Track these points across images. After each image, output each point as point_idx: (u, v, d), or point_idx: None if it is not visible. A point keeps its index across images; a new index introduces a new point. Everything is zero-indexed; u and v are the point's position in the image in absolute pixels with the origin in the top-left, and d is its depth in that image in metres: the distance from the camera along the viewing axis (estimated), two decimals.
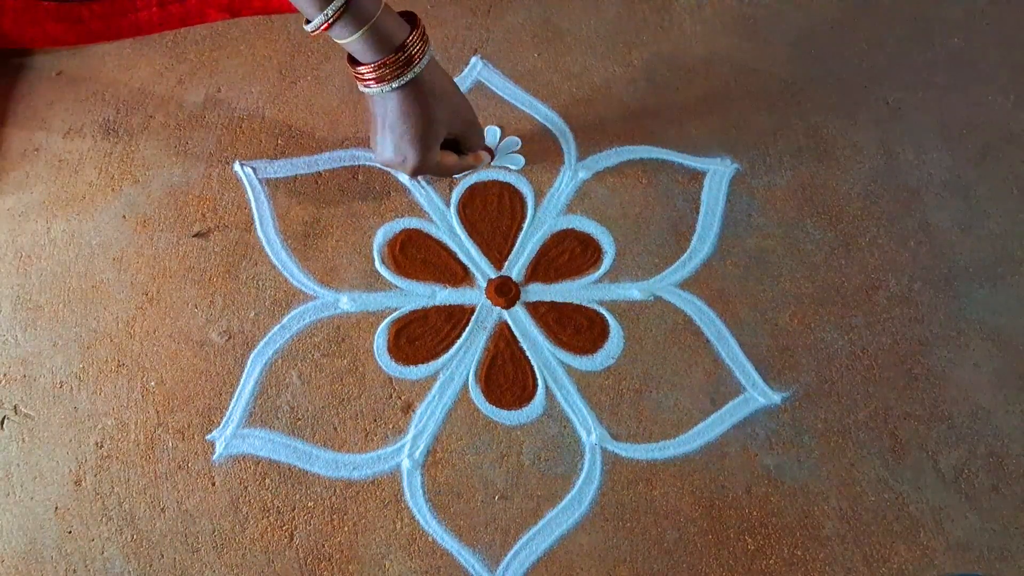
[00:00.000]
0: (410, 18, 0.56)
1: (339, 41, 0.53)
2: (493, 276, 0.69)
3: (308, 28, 0.53)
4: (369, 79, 0.55)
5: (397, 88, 0.55)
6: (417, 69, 0.55)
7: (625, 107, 0.76)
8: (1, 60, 0.79)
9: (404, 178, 0.72)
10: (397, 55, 0.53)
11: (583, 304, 0.68)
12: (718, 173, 0.72)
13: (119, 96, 0.77)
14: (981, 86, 0.76)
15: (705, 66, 0.78)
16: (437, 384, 0.65)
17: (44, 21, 0.74)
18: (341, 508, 0.61)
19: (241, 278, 0.69)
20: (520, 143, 0.74)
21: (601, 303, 0.68)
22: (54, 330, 0.67)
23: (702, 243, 0.70)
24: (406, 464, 0.62)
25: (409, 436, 0.63)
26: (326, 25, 0.51)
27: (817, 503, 0.60)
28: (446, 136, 0.61)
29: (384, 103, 0.57)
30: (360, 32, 0.52)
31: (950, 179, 0.72)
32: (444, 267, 0.69)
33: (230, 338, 0.66)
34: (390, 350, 0.66)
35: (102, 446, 0.63)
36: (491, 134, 0.74)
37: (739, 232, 0.70)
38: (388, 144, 0.59)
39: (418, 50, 0.54)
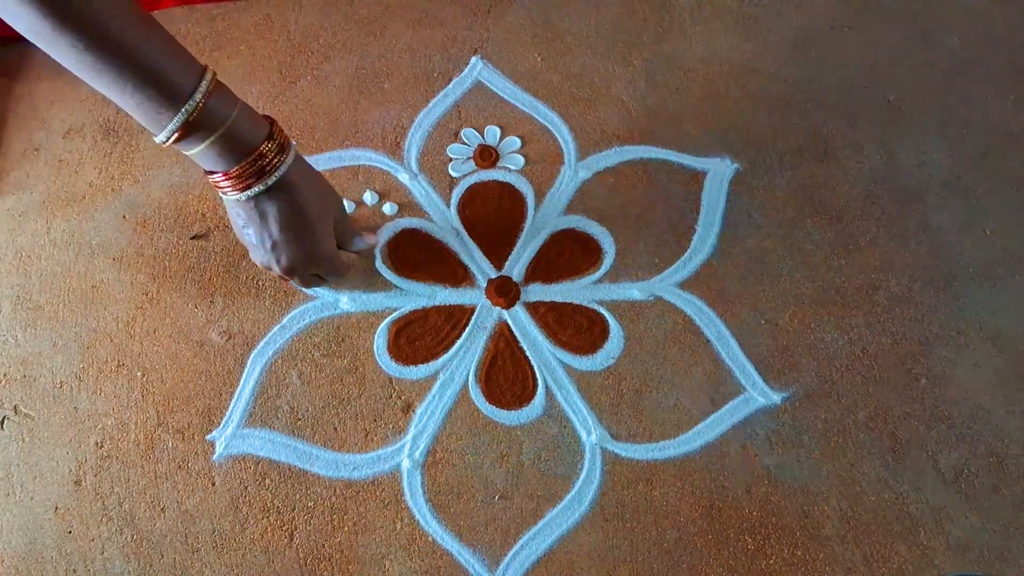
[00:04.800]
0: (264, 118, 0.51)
1: (188, 153, 0.48)
2: (493, 276, 0.69)
3: (157, 140, 0.47)
4: (230, 186, 0.50)
5: (271, 187, 0.50)
6: (282, 169, 0.50)
7: (625, 107, 0.76)
8: (2, 60, 0.79)
9: (405, 177, 0.72)
10: (254, 160, 0.49)
11: (583, 304, 0.68)
12: (718, 173, 0.72)
13: None
14: (981, 86, 0.76)
15: (705, 66, 0.78)
16: (437, 384, 0.65)
17: None
18: (341, 508, 0.61)
19: (241, 278, 0.69)
20: (520, 143, 0.74)
21: (601, 303, 0.68)
22: (54, 330, 0.67)
23: (702, 243, 0.70)
24: (406, 464, 0.62)
25: (409, 436, 0.63)
26: (176, 138, 0.47)
27: (817, 503, 0.60)
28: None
29: (259, 205, 0.52)
30: (210, 140, 0.47)
31: (950, 179, 0.72)
32: (444, 267, 0.69)
33: (230, 338, 0.66)
34: (390, 350, 0.66)
35: (102, 446, 0.63)
36: (491, 134, 0.74)
37: (739, 232, 0.70)
38: (290, 245, 0.54)
39: (276, 152, 0.50)
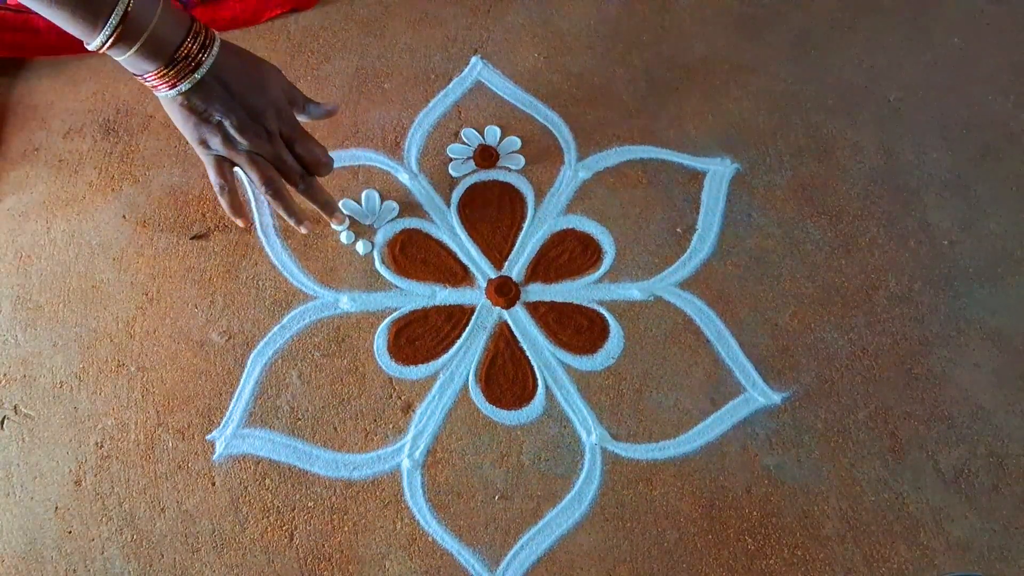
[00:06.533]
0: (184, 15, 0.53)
1: (118, 59, 0.51)
2: (493, 276, 0.69)
3: (91, 47, 0.50)
4: (159, 85, 0.53)
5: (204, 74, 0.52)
6: (207, 64, 0.53)
7: (625, 107, 0.76)
8: (2, 60, 0.79)
9: (405, 177, 0.72)
10: (178, 59, 0.52)
11: (583, 304, 0.68)
12: (718, 173, 0.72)
13: (119, 96, 0.77)
14: (981, 86, 0.77)
15: (705, 66, 0.78)
16: (437, 384, 0.65)
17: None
18: (341, 508, 0.61)
19: (241, 278, 0.69)
20: (520, 143, 0.74)
21: (601, 303, 0.68)
22: (54, 330, 0.67)
23: (702, 243, 0.70)
24: (406, 464, 0.62)
25: (409, 436, 0.63)
26: (109, 45, 0.49)
27: (817, 503, 0.60)
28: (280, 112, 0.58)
29: (191, 100, 0.54)
30: (139, 43, 0.50)
31: (950, 179, 0.72)
32: (444, 267, 0.69)
33: (230, 338, 0.66)
34: (390, 350, 0.66)
35: (102, 446, 0.63)
36: (491, 134, 0.74)
37: (739, 232, 0.70)
38: (234, 114, 0.54)
39: (199, 49, 0.52)
